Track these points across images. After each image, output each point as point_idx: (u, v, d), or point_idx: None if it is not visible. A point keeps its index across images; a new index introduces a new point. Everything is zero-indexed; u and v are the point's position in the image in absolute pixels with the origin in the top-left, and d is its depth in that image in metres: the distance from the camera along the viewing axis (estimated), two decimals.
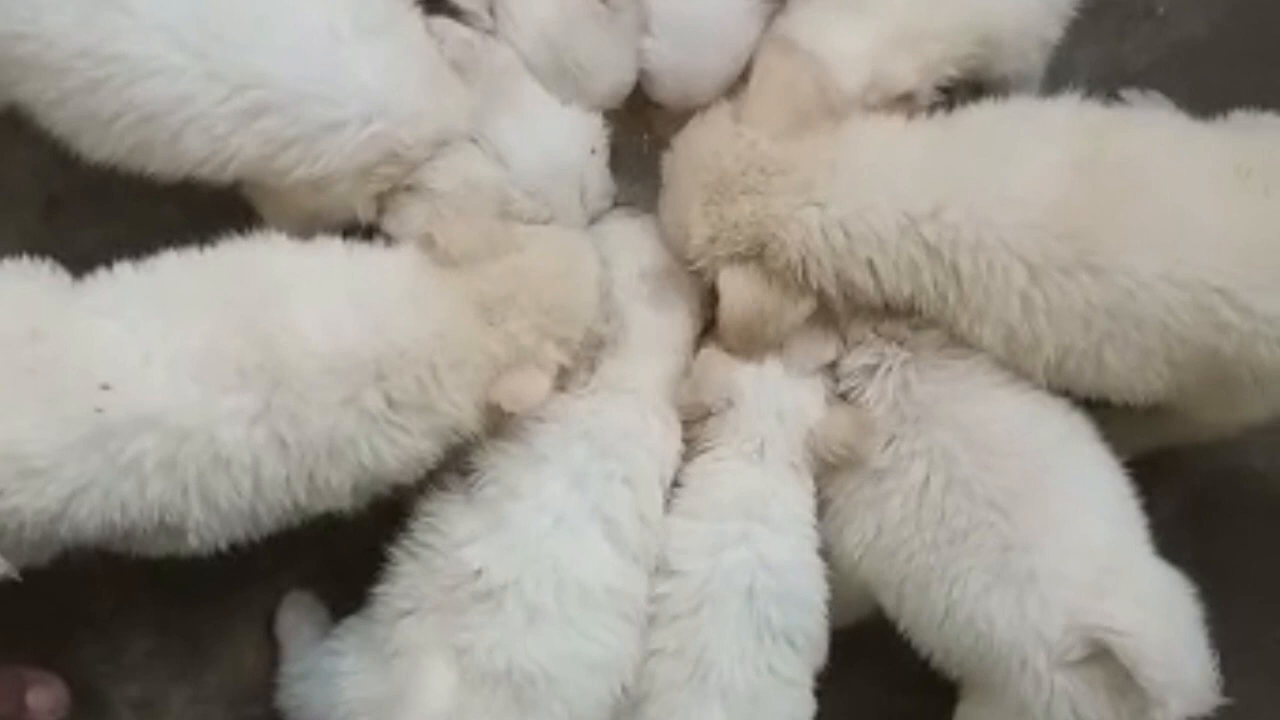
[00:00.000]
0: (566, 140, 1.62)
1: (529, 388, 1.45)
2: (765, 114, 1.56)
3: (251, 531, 1.42)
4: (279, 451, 1.36)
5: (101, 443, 1.31)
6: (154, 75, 1.41)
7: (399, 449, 1.42)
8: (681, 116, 1.65)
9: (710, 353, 1.61)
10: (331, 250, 1.46)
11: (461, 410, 1.43)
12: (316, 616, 1.66)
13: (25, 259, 1.43)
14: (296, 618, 1.67)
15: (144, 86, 1.41)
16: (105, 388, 1.31)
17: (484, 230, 1.50)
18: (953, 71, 1.63)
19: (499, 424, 1.50)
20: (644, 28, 1.63)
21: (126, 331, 1.35)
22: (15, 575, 1.30)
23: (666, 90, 1.66)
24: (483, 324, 1.44)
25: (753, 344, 1.58)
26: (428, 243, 1.48)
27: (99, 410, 1.31)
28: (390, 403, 1.40)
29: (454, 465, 1.52)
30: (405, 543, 1.51)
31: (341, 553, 1.56)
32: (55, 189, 1.71)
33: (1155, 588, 1.48)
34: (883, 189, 1.51)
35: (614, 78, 1.64)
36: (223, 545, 1.41)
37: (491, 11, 1.61)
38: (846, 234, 1.51)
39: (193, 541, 1.39)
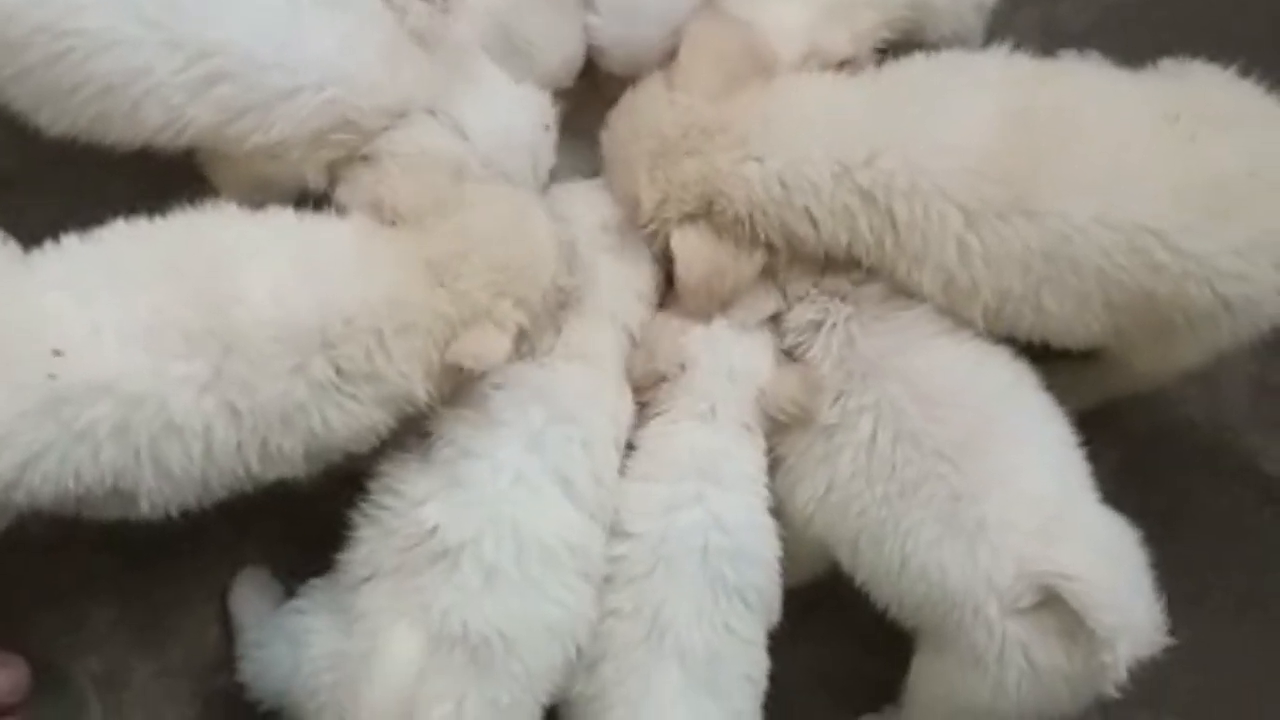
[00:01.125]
0: (522, 116, 1.64)
1: (488, 346, 1.46)
2: (698, 78, 1.60)
3: (203, 497, 1.43)
4: (230, 418, 1.38)
5: (55, 409, 1.32)
6: (112, 47, 1.43)
7: (349, 417, 1.43)
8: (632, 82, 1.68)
9: (663, 319, 1.64)
10: (280, 219, 1.47)
11: (410, 380, 1.44)
12: (271, 590, 1.67)
13: None
14: (251, 592, 1.68)
15: (103, 59, 1.43)
16: (58, 354, 1.32)
17: (431, 188, 1.51)
18: (887, 34, 1.67)
19: (455, 390, 1.51)
20: (588, 5, 1.66)
21: (77, 301, 1.36)
22: None
23: (615, 63, 1.69)
24: (432, 284, 1.45)
25: (713, 301, 1.61)
26: (375, 202, 1.49)
27: (52, 377, 1.32)
28: (339, 371, 1.41)
29: (413, 428, 1.52)
30: (363, 505, 1.52)
31: (303, 522, 1.57)
32: (6, 167, 1.72)
33: (1101, 534, 1.50)
34: (816, 139, 1.54)
35: (564, 53, 1.67)
36: (173, 511, 1.42)
37: None
38: (783, 185, 1.55)
39: (144, 506, 1.40)
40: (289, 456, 1.42)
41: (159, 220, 1.45)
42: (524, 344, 1.53)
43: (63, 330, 1.34)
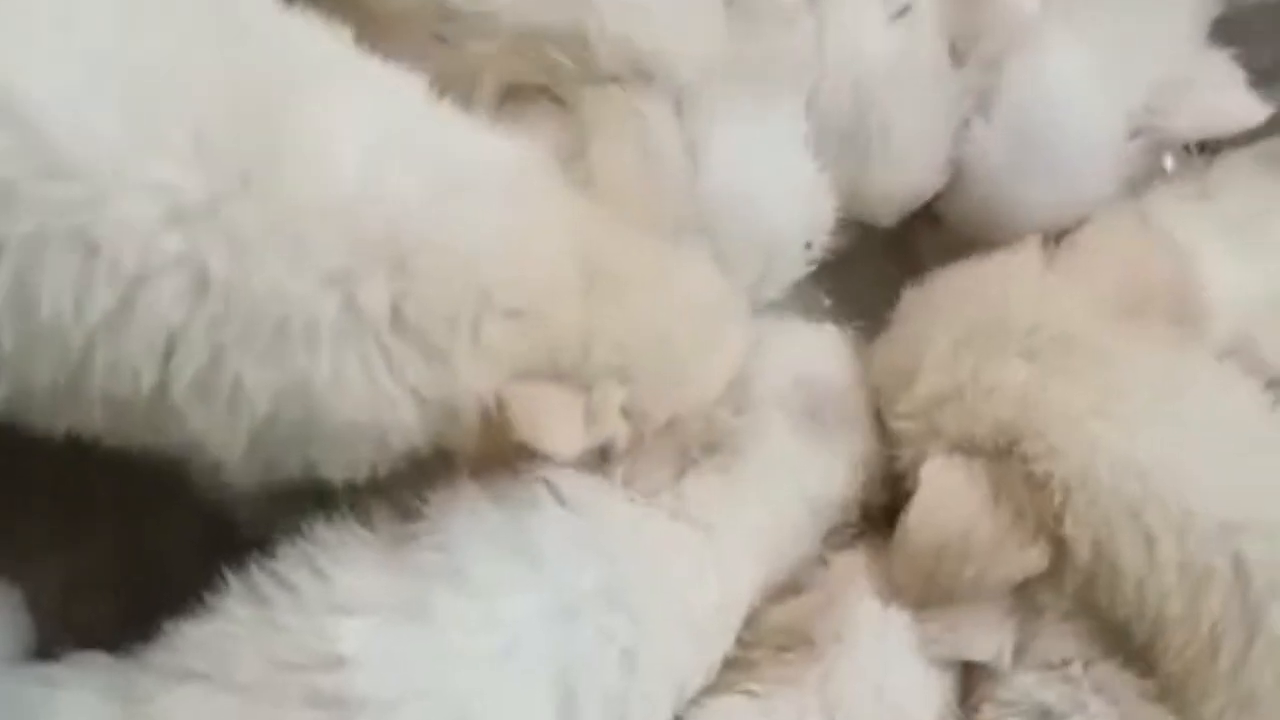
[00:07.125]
0: (786, 200, 1.18)
1: (560, 431, 0.95)
2: (1093, 273, 1.12)
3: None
4: (190, 284, 0.84)
5: None
6: None
7: (370, 391, 0.90)
8: (953, 248, 1.21)
9: (849, 569, 1.10)
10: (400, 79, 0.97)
11: (478, 390, 0.93)
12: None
13: None
14: None
15: None
16: None
17: (650, 178, 1.07)
18: None
19: (495, 460, 0.98)
20: (980, 107, 1.20)
21: None
22: None
23: (971, 203, 1.23)
24: (579, 291, 0.98)
25: (930, 585, 1.05)
26: (568, 148, 1.04)
27: None
28: (396, 314, 0.89)
29: (397, 497, 0.99)
30: (260, 564, 0.97)
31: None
32: None
33: None
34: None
35: (922, 164, 1.22)
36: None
37: None
38: (1145, 487, 1.01)
39: None
40: (250, 398, 0.87)
41: None
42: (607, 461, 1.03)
43: None
